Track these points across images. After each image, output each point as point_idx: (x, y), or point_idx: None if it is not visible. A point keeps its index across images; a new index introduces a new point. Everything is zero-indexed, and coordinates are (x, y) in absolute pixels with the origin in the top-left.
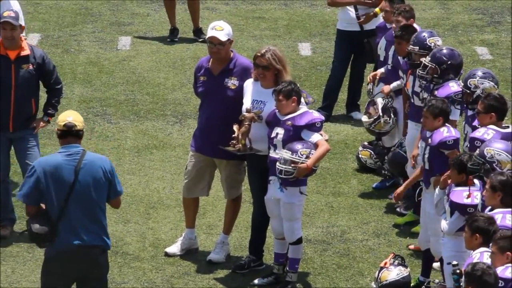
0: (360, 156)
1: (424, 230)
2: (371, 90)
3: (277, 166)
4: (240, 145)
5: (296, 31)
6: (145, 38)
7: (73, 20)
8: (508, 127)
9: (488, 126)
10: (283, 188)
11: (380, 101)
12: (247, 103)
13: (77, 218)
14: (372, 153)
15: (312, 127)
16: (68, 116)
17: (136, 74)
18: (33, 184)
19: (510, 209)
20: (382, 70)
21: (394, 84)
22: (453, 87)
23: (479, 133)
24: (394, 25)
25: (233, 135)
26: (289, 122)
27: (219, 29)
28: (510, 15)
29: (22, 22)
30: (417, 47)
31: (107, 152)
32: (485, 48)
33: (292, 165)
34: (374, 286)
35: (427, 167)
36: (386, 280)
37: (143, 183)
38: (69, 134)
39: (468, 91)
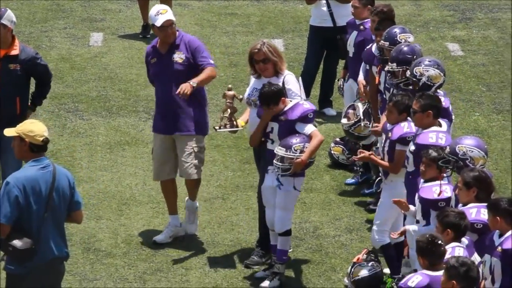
0: (332, 152)
1: (376, 218)
2: (342, 87)
3: (274, 164)
4: (222, 122)
5: (269, 27)
6: (117, 34)
7: (44, 16)
8: (441, 124)
9: (432, 129)
10: (280, 183)
11: (361, 105)
12: (247, 91)
13: (51, 232)
14: (344, 149)
15: (305, 119)
16: (44, 131)
17: (108, 70)
18: (13, 203)
19: (484, 204)
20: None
21: None
22: None
23: (432, 139)
24: (370, 24)
25: (224, 115)
26: (282, 117)
27: (164, 12)
28: (481, 12)
29: (6, 21)
30: (388, 43)
31: (79, 148)
32: (457, 45)
33: (288, 161)
34: (347, 281)
35: (386, 159)
36: (358, 276)
37: (115, 180)
38: (44, 149)
39: (415, 79)
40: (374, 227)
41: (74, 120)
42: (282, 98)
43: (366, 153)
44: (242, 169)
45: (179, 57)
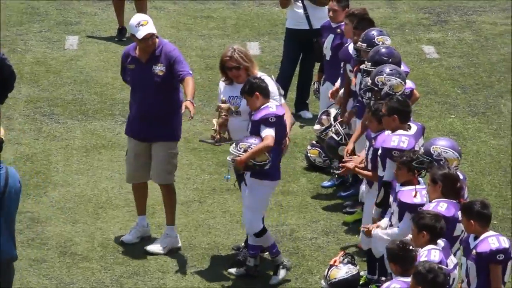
0: (309, 154)
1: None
2: (318, 90)
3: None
4: (219, 136)
5: (245, 30)
6: (93, 38)
7: (19, 19)
8: (410, 127)
9: (397, 133)
10: (245, 182)
11: (333, 111)
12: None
13: (3, 233)
14: (321, 151)
15: (266, 122)
16: None
17: (84, 74)
18: None
19: (447, 199)
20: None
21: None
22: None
23: (394, 142)
24: (344, 27)
25: (212, 128)
26: (252, 117)
27: (145, 24)
28: (456, 14)
29: None
30: (365, 44)
31: (55, 152)
32: (432, 47)
33: (231, 156)
34: (324, 284)
35: (369, 167)
36: (335, 278)
37: (91, 183)
38: None
39: (376, 88)
40: (361, 233)
41: (49, 124)
42: (257, 93)
43: (348, 165)
44: (218, 172)
45: (159, 69)
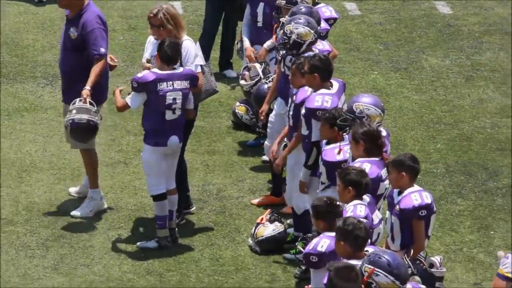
0: (236, 111)
1: (290, 186)
2: (241, 49)
3: None
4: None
5: None
6: None
7: None
8: (332, 84)
9: (320, 92)
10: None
11: (258, 65)
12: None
13: None
14: (249, 108)
15: (131, 84)
16: None
17: (4, 36)
18: None
19: (372, 158)
20: (267, 44)
21: (268, 43)
22: None
23: (318, 102)
24: None
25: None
26: None
27: None
28: None
29: None
30: (284, 1)
31: None
32: (354, 4)
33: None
34: (251, 242)
35: (291, 123)
36: (262, 236)
37: (14, 147)
38: None
39: (285, 37)
40: (286, 190)
41: None
42: (157, 55)
43: (279, 159)
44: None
45: (73, 33)
